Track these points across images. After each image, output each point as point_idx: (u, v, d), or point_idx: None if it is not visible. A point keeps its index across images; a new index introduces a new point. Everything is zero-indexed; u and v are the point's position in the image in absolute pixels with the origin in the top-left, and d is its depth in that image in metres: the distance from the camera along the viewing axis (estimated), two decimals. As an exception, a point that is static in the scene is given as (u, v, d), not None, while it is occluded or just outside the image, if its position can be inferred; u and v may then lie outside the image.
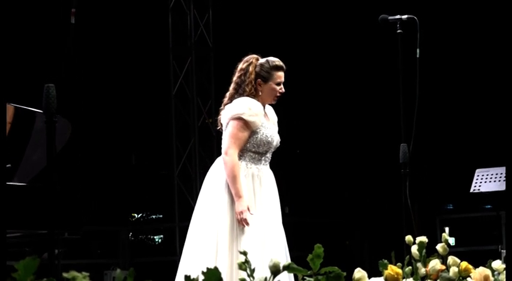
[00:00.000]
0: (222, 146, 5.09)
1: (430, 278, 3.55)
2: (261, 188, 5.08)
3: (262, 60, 5.21)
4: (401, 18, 5.59)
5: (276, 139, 5.17)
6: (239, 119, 5.06)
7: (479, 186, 8.63)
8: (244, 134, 5.07)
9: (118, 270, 2.47)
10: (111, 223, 11.41)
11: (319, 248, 2.99)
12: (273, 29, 11.09)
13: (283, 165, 11.28)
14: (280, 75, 5.17)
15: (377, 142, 10.17)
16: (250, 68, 5.17)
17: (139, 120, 11.63)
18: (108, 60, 10.54)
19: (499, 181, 8.33)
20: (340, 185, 11.06)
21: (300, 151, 11.48)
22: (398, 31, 5.57)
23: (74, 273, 2.25)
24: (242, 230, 4.98)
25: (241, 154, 5.10)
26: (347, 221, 11.10)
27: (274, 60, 5.21)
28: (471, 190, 8.78)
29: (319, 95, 11.05)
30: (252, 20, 11.07)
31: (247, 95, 5.13)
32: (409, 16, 5.59)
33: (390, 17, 5.63)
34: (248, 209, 4.94)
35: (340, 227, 11.10)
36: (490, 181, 8.53)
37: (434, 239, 4.09)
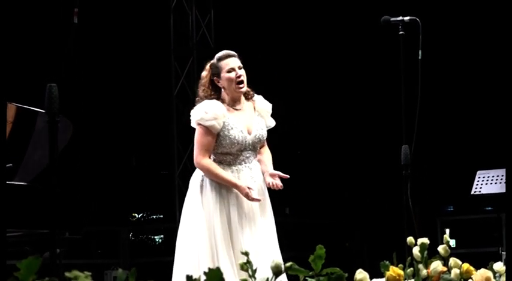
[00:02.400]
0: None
1: (431, 280, 3.55)
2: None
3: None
4: (403, 20, 5.59)
5: (248, 137, 5.05)
6: (199, 125, 5.04)
7: (480, 188, 8.62)
8: (208, 139, 5.02)
9: (120, 270, 2.47)
10: (112, 223, 11.41)
11: (320, 249, 2.99)
12: (275, 30, 11.09)
13: (284, 166, 11.28)
14: (228, 62, 5.07)
15: (378, 144, 10.17)
16: (205, 72, 5.16)
17: (140, 121, 11.64)
18: (109, 61, 10.54)
19: (500, 182, 8.33)
20: (341, 186, 11.06)
21: (301, 152, 11.48)
22: (401, 33, 5.58)
23: (76, 272, 2.25)
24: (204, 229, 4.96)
25: (215, 158, 5.07)
26: (347, 222, 11.10)
27: (218, 54, 5.15)
28: (472, 192, 8.77)
29: (320, 96, 11.05)
30: (253, 20, 11.07)
31: (210, 98, 5.11)
32: (412, 18, 5.60)
33: (392, 19, 5.63)
34: (249, 188, 4.89)
35: (340, 228, 11.10)
36: (491, 183, 8.53)
37: (435, 241, 4.08)
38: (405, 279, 3.44)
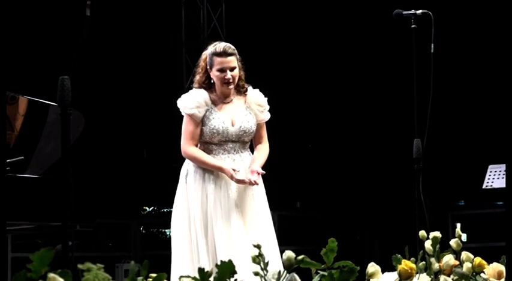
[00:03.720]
0: None
1: (443, 274, 3.55)
2: (221, 181, 4.98)
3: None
4: (415, 13, 5.58)
5: (230, 128, 5.03)
6: (184, 113, 5.09)
7: (492, 182, 8.60)
8: (191, 127, 5.06)
9: (132, 262, 2.47)
10: (123, 216, 11.43)
11: (333, 242, 2.99)
12: (286, 24, 11.07)
13: (295, 159, 11.27)
14: (220, 61, 5.03)
15: (390, 137, 10.14)
16: (203, 56, 5.16)
17: (151, 113, 11.64)
18: (121, 54, 10.55)
19: (512, 177, 8.29)
20: (352, 179, 11.04)
21: (312, 145, 11.47)
22: (413, 26, 5.56)
23: (89, 264, 2.25)
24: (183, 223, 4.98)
25: (200, 147, 5.09)
26: (358, 215, 11.09)
27: (217, 46, 5.10)
28: (483, 186, 8.75)
29: (332, 89, 11.03)
30: (265, 14, 11.06)
31: (203, 85, 5.12)
32: (424, 11, 5.58)
33: (405, 12, 5.62)
34: (234, 170, 4.89)
35: (351, 221, 11.10)
36: (502, 177, 8.50)
37: (446, 235, 4.08)
38: (417, 273, 3.43)
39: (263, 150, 5.22)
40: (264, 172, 5.05)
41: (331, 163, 11.21)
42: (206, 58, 5.11)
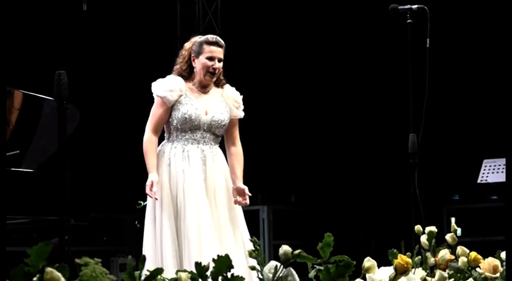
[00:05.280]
0: None
1: (439, 268, 3.56)
2: (189, 169, 4.99)
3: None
4: (411, 8, 5.59)
5: (203, 116, 5.06)
6: (157, 96, 5.14)
7: (487, 177, 8.62)
8: (160, 111, 5.10)
9: (129, 257, 2.48)
10: (117, 210, 11.42)
11: (329, 237, 3.00)
12: (282, 18, 11.07)
13: (290, 154, 11.27)
14: (212, 50, 5.11)
15: (386, 132, 10.14)
16: (188, 44, 5.20)
17: (147, 108, 11.60)
18: (116, 48, 10.53)
19: (507, 171, 8.31)
20: (347, 174, 11.05)
21: (308, 140, 11.48)
22: (409, 21, 5.58)
23: (87, 259, 2.26)
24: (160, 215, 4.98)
25: (170, 136, 5.11)
26: (353, 210, 11.10)
27: (209, 36, 5.19)
28: (478, 181, 8.77)
29: (327, 85, 11.03)
30: (260, 8, 11.05)
31: (182, 73, 5.15)
32: (420, 6, 5.59)
33: (400, 7, 5.63)
34: (152, 184, 4.91)
35: (347, 216, 11.10)
36: (497, 172, 8.52)
37: (441, 229, 4.09)
38: (413, 267, 3.45)
39: (240, 160, 5.24)
40: (250, 194, 5.09)
41: (326, 158, 11.22)
42: (190, 48, 5.16)
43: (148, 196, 5.03)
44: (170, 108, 5.07)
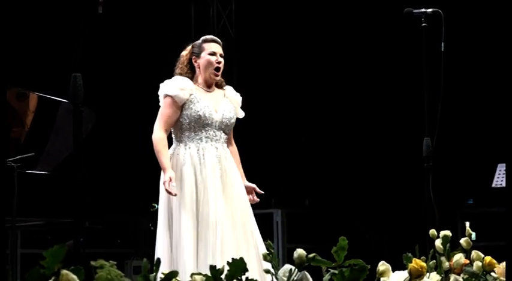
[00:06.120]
0: None
1: (454, 272, 3.55)
2: (205, 169, 4.97)
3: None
4: (426, 12, 5.58)
5: (214, 114, 5.06)
6: (165, 96, 5.08)
7: (502, 181, 8.59)
8: (170, 111, 5.04)
9: (144, 260, 2.49)
10: (132, 212, 11.44)
11: (343, 241, 3.00)
12: (296, 21, 11.07)
13: (305, 158, 11.26)
14: (212, 46, 5.17)
15: (400, 136, 10.13)
16: (185, 52, 5.23)
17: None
18: (130, 51, 10.56)
19: (522, 176, 8.27)
20: (362, 178, 11.04)
21: (323, 145, 11.47)
22: (423, 24, 5.56)
23: (102, 261, 2.27)
24: (178, 217, 4.94)
25: (181, 138, 5.06)
26: (367, 214, 11.08)
27: (205, 36, 5.26)
28: (493, 185, 8.73)
29: (342, 87, 11.02)
30: (275, 11, 11.06)
31: (184, 76, 5.16)
32: (434, 9, 5.58)
33: (415, 10, 5.62)
34: (170, 179, 4.84)
35: (360, 220, 11.09)
36: (512, 176, 8.47)
37: (455, 233, 4.08)
38: (428, 271, 3.44)
39: (239, 159, 5.28)
40: (262, 192, 5.13)
41: (341, 162, 11.21)
42: (189, 52, 5.20)
43: (161, 196, 5.01)
44: (180, 107, 5.05)
